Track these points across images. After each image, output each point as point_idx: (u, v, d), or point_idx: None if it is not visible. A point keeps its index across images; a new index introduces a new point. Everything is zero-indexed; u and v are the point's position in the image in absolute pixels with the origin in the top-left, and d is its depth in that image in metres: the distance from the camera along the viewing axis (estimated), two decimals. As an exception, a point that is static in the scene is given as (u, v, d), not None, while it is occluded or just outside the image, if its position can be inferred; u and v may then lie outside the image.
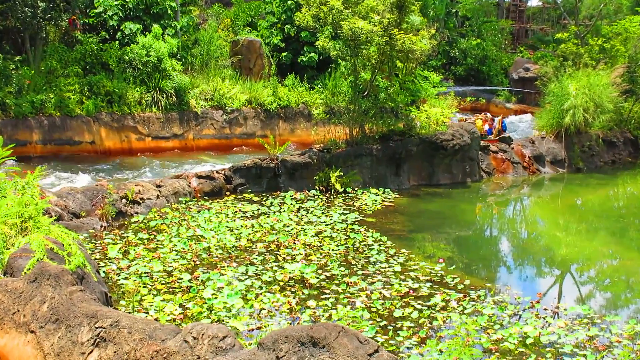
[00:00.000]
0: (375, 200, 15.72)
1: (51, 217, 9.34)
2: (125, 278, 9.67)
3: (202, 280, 9.69)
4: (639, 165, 22.29)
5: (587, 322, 8.76)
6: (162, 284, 9.58)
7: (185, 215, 13.49)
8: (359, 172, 16.91)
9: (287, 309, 8.80)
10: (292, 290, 9.52)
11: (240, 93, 24.75)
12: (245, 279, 9.85)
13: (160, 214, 13.50)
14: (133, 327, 5.66)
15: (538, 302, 9.46)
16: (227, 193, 15.77)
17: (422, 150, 17.69)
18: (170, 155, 22.39)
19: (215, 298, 8.92)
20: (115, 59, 23.00)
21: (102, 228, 12.40)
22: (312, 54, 26.20)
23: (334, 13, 16.15)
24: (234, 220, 13.25)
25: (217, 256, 11.01)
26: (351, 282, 9.91)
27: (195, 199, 15.05)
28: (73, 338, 5.83)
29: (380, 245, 12.02)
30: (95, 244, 11.38)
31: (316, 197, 15.81)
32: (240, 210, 14.17)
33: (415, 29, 17.39)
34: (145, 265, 10.20)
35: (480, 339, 7.99)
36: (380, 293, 9.51)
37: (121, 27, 24.18)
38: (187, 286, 9.43)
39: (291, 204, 14.85)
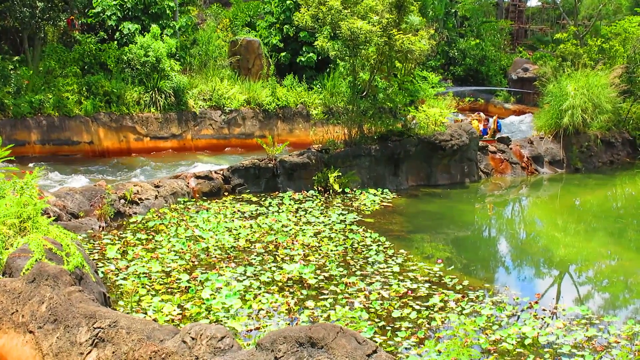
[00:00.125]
0: (374, 201, 15.73)
1: (50, 217, 9.35)
2: (124, 278, 9.66)
3: (200, 280, 9.69)
4: (637, 165, 22.30)
5: (586, 323, 8.77)
6: (161, 284, 9.57)
7: (184, 216, 13.49)
8: (357, 172, 16.91)
9: (286, 309, 8.80)
10: (291, 290, 9.52)
11: (238, 93, 24.75)
12: (244, 280, 9.85)
13: (159, 215, 13.49)
14: (131, 328, 5.66)
15: (536, 302, 9.48)
16: (226, 193, 15.76)
17: (421, 150, 17.69)
18: (169, 155, 22.38)
19: (214, 298, 8.92)
20: (113, 59, 22.99)
21: (101, 228, 12.40)
22: (311, 54, 26.19)
23: (332, 13, 16.14)
24: (233, 220, 13.24)
25: (215, 257, 11.01)
26: (350, 283, 9.91)
27: (194, 200, 15.05)
28: (71, 338, 5.82)
29: (378, 245, 12.02)
30: (94, 244, 11.37)
31: (315, 197, 15.82)
32: (238, 210, 14.17)
33: (415, 29, 17.38)
34: (143, 266, 10.20)
35: (478, 340, 8.00)
36: (379, 293, 9.51)
37: (119, 27, 24.17)
38: (186, 287, 9.43)
39: (290, 205, 14.86)
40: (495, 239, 14.63)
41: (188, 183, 15.28)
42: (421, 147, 17.67)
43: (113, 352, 5.54)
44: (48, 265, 6.60)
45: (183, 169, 19.56)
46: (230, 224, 12.85)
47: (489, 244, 14.08)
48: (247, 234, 12.29)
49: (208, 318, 8.41)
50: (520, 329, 8.33)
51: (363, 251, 11.64)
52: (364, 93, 17.73)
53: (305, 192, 16.16)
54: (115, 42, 23.91)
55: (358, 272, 10.46)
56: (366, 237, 12.53)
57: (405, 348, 7.79)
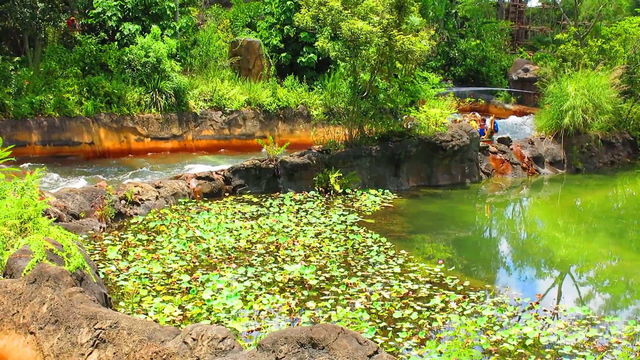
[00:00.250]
0: (375, 201, 15.72)
1: (50, 218, 9.35)
2: (125, 279, 9.66)
3: (201, 281, 9.68)
4: (637, 166, 22.30)
5: (587, 323, 8.76)
6: (162, 285, 9.57)
7: (185, 217, 13.49)
8: (358, 173, 16.91)
9: (287, 310, 8.80)
10: (292, 291, 9.51)
11: (239, 94, 24.76)
12: (245, 280, 9.84)
13: (160, 215, 13.49)
14: (132, 329, 5.65)
15: (537, 303, 9.46)
16: (226, 194, 15.76)
17: (421, 151, 17.69)
18: (170, 156, 22.38)
19: (215, 299, 8.92)
20: (114, 60, 23.00)
21: (101, 229, 12.39)
22: (312, 55, 26.21)
23: (333, 14, 16.15)
24: (233, 221, 13.24)
25: (216, 257, 11.01)
26: (350, 284, 9.91)
27: (195, 200, 15.04)
28: (72, 339, 5.82)
29: (379, 246, 12.01)
30: (95, 245, 11.37)
31: (315, 198, 15.81)
32: (239, 211, 14.17)
33: (415, 29, 17.39)
34: (144, 267, 10.20)
35: (479, 340, 7.99)
36: (380, 294, 9.51)
37: (120, 28, 24.18)
38: (187, 287, 9.43)
39: (290, 205, 14.85)
40: (496, 239, 14.63)
41: (189, 184, 15.28)
42: (422, 148, 17.67)
43: (114, 353, 5.54)
44: (49, 266, 6.60)
45: (184, 169, 19.58)
46: (231, 225, 12.84)
47: (490, 244, 14.07)
48: (248, 235, 12.29)
49: (209, 319, 8.40)
50: (521, 329, 8.33)
51: (364, 252, 11.64)
52: (365, 94, 17.73)
53: (306, 192, 16.16)
54: (116, 42, 23.93)
55: (359, 273, 10.45)
56: (367, 237, 12.53)
57: (407, 349, 7.79)
